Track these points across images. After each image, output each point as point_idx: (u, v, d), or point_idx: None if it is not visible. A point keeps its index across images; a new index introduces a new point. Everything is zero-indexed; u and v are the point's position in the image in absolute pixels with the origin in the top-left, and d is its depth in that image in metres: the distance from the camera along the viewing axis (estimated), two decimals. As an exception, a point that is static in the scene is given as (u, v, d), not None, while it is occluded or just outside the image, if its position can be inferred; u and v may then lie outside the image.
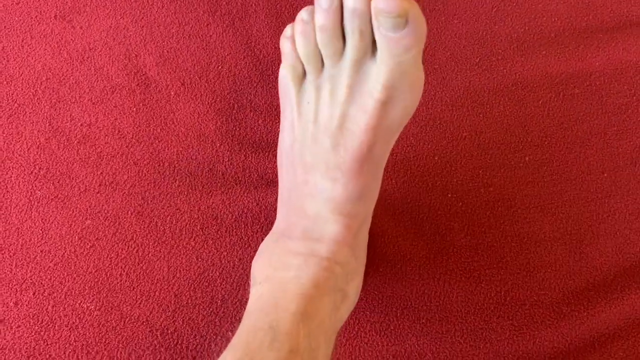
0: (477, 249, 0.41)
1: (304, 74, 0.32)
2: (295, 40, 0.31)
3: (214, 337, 0.38)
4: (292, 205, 0.33)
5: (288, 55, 0.32)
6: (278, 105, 0.44)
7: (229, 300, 0.39)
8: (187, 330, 0.38)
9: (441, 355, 0.38)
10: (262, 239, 0.40)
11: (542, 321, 0.39)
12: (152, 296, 0.39)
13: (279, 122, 0.44)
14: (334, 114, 0.31)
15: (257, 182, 0.42)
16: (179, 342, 0.38)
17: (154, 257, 0.40)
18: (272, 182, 0.42)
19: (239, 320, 0.38)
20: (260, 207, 0.41)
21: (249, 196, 0.42)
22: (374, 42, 0.29)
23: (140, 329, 0.38)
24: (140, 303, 0.38)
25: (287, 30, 0.32)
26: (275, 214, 0.40)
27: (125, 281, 0.39)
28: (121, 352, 0.37)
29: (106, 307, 0.38)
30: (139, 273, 0.39)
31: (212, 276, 0.40)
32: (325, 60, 0.31)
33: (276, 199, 0.42)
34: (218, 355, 0.27)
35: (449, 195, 0.42)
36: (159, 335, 0.38)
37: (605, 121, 0.45)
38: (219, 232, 0.41)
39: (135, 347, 0.37)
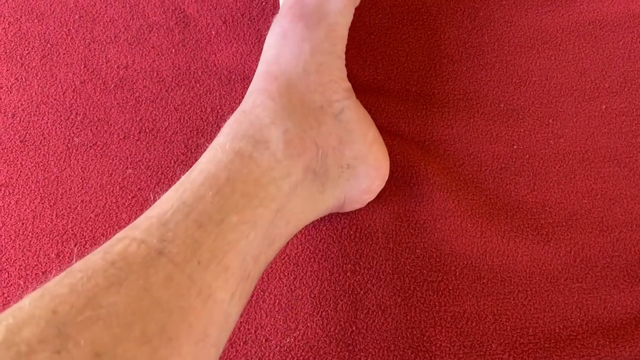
0: (545, 206, 0.37)
1: None
2: None
3: (262, 292, 0.36)
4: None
5: None
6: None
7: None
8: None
9: (502, 318, 0.36)
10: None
11: (614, 285, 0.36)
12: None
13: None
14: None
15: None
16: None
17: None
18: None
19: (288, 277, 0.36)
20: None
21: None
22: None
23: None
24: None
25: None
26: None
27: (170, 234, 0.37)
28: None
29: (150, 260, 0.37)
30: (183, 225, 0.37)
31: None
32: None
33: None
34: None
35: (515, 146, 0.39)
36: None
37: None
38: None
39: (182, 302, 0.36)
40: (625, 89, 0.40)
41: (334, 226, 0.37)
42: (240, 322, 0.35)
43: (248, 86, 0.40)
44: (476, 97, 0.40)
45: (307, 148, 0.30)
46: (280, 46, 0.32)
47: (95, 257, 0.23)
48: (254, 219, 0.26)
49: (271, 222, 0.27)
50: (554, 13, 0.41)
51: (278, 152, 0.28)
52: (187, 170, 0.38)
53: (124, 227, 0.37)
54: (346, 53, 0.40)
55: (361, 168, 0.33)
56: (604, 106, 0.39)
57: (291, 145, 0.29)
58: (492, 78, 0.40)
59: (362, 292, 0.35)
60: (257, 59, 0.40)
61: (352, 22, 0.40)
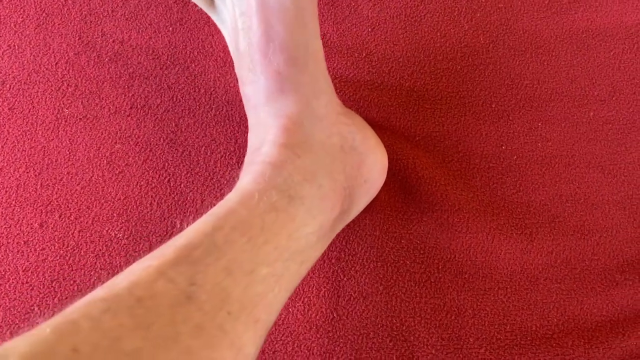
0: (530, 207, 0.38)
1: None
2: None
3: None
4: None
5: None
6: (326, 32, 0.41)
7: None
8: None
9: (481, 313, 0.36)
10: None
11: (592, 287, 0.37)
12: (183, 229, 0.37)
13: (327, 50, 0.41)
14: (234, 14, 0.30)
15: (300, 117, 0.39)
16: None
17: (187, 188, 0.37)
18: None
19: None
20: (300, 144, 0.39)
21: (289, 131, 0.39)
22: None
23: (169, 261, 0.36)
24: (171, 235, 0.37)
25: None
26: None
27: (156, 211, 0.37)
28: (149, 284, 0.35)
29: (135, 236, 0.36)
30: (170, 204, 0.37)
31: (246, 213, 0.37)
32: None
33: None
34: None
35: (504, 147, 0.39)
36: (188, 270, 0.36)
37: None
38: (255, 167, 0.38)
39: (163, 280, 0.36)
40: (614, 98, 0.41)
41: (321, 213, 0.37)
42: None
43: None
44: (468, 95, 0.40)
45: (339, 196, 0.30)
46: (282, 99, 0.30)
47: (120, 287, 0.21)
48: (282, 271, 0.26)
49: (296, 272, 0.27)
50: (549, 20, 0.42)
51: (313, 208, 0.28)
52: (176, 150, 0.38)
53: (110, 201, 0.37)
54: (342, 48, 0.40)
55: (374, 176, 0.34)
56: (591, 113, 0.40)
57: (326, 199, 0.29)
58: (485, 78, 0.40)
59: (345, 278, 0.36)
60: (255, 43, 0.40)
61: (348, 16, 0.40)
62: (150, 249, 0.36)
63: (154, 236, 0.37)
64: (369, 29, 0.41)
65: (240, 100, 0.39)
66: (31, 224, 0.36)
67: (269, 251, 0.25)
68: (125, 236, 0.36)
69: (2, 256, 0.35)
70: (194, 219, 0.37)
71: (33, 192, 0.37)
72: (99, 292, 0.22)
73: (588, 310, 0.36)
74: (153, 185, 0.37)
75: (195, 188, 0.37)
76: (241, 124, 0.39)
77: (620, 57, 0.41)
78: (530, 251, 0.37)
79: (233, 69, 0.40)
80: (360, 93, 0.40)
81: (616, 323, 0.36)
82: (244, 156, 0.38)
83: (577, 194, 0.39)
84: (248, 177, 0.27)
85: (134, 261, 0.35)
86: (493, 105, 0.40)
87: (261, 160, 0.28)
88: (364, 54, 0.41)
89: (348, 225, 0.37)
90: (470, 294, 0.36)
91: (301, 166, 0.28)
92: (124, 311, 0.21)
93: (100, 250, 0.36)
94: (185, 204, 0.37)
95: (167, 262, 0.23)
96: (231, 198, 0.26)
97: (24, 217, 0.36)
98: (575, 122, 0.40)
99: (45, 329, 0.19)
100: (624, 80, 0.41)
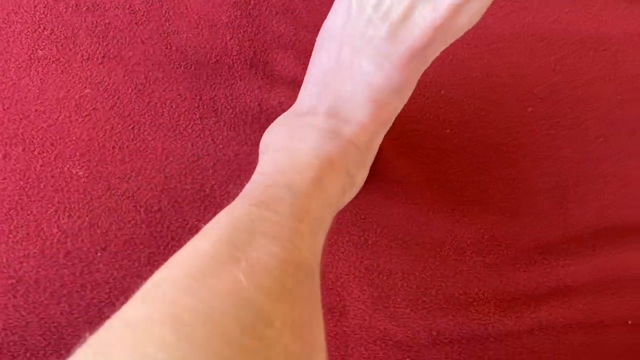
0: (467, 186, 0.41)
1: None
2: None
3: (196, 222, 0.38)
4: (326, 85, 0.32)
5: None
6: (295, 6, 0.43)
7: (217, 191, 0.39)
8: (171, 212, 0.38)
9: (410, 277, 0.39)
10: (260, 139, 0.40)
11: (512, 264, 0.40)
12: (142, 173, 0.39)
13: (294, 23, 0.43)
14: (400, 5, 0.31)
15: (262, 82, 0.42)
16: (161, 222, 0.38)
17: (149, 136, 0.40)
18: (277, 83, 0.41)
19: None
20: (261, 107, 0.41)
21: (251, 95, 0.41)
22: None
23: (125, 202, 0.38)
24: (129, 178, 0.39)
25: None
26: (276, 116, 0.40)
27: (117, 154, 0.39)
28: (102, 221, 0.37)
29: (94, 176, 0.38)
30: (132, 149, 0.39)
31: (204, 165, 0.40)
32: None
33: (279, 103, 0.41)
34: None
35: (448, 130, 0.43)
36: (142, 212, 0.38)
37: (612, 88, 0.45)
38: (217, 124, 0.41)
39: (117, 219, 0.38)
40: (551, 98, 0.44)
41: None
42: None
43: (214, 33, 0.42)
44: (427, 81, 0.43)
45: None
46: (385, 95, 0.32)
47: None
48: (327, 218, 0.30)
49: (329, 222, 0.30)
50: (502, 20, 0.45)
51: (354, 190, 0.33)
52: (142, 100, 0.40)
53: (75, 141, 0.39)
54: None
55: None
56: (530, 109, 0.44)
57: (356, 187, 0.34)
58: (437, 66, 0.44)
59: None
60: (227, 10, 0.43)
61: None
62: (109, 189, 0.38)
63: (113, 178, 0.39)
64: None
65: (210, 62, 0.41)
66: (-5, 153, 0.38)
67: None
68: (85, 175, 0.38)
69: (-37, 179, 0.37)
70: (153, 166, 0.39)
71: (0, 125, 0.38)
72: None
73: (506, 283, 0.40)
74: (117, 130, 0.39)
75: (158, 137, 0.40)
76: (207, 84, 0.41)
77: (561, 62, 0.45)
78: (462, 226, 0.41)
79: (205, 32, 0.42)
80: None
81: (530, 297, 0.40)
82: (206, 114, 0.41)
83: (509, 179, 0.42)
84: (335, 147, 0.31)
85: (90, 199, 0.37)
86: (442, 92, 0.43)
87: (348, 138, 0.31)
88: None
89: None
90: (403, 258, 0.39)
91: (365, 158, 0.33)
92: None
93: (59, 185, 0.38)
94: (147, 151, 0.39)
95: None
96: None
97: (-12, 146, 0.38)
98: (516, 115, 0.44)
99: None
100: (562, 83, 0.45)
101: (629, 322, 0.40)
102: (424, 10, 0.30)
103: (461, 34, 0.32)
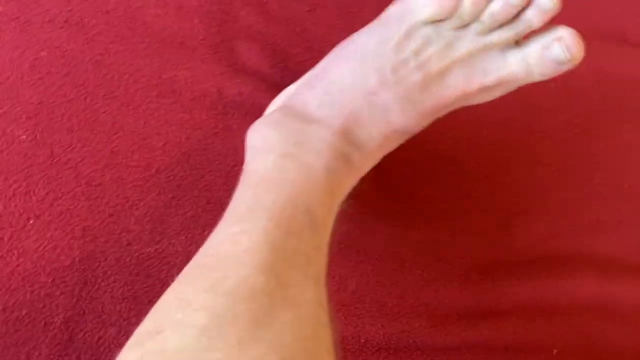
0: (416, 198, 0.42)
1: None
2: None
3: (137, 201, 0.38)
4: (343, 103, 0.32)
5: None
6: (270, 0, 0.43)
7: (163, 173, 0.39)
8: (112, 187, 0.38)
9: (346, 282, 0.39)
10: (216, 126, 0.40)
11: (450, 281, 0.41)
12: (88, 145, 0.38)
13: (264, 16, 0.43)
14: (440, 62, 0.31)
15: (225, 69, 0.41)
16: (101, 196, 0.37)
17: (101, 108, 0.39)
18: (240, 72, 0.41)
19: (166, 193, 0.38)
20: (220, 94, 0.41)
21: (212, 81, 0.41)
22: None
23: (66, 172, 0.37)
24: (73, 148, 0.38)
25: None
26: (239, 109, 0.40)
27: (65, 123, 0.38)
28: (39, 188, 0.36)
29: (38, 141, 0.37)
30: (81, 119, 0.38)
31: (154, 145, 0.39)
32: (475, 24, 0.31)
33: (239, 92, 0.41)
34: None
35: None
36: (83, 184, 0.37)
37: (570, 119, 0.47)
38: (172, 105, 0.40)
39: (55, 188, 0.37)
40: (510, 123, 0.45)
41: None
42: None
43: (182, 15, 0.42)
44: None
45: None
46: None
47: None
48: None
49: None
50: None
51: None
52: (100, 71, 0.39)
53: (23, 103, 0.38)
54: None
55: None
56: (484, 131, 0.45)
57: None
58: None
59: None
60: (200, -8, 0.42)
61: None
62: (52, 155, 0.37)
63: (57, 146, 0.38)
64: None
65: (175, 42, 0.41)
66: (-64, 104, 0.36)
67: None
68: (29, 139, 0.37)
69: None
70: (101, 139, 0.38)
71: (-54, 76, 0.37)
72: None
73: (440, 299, 0.40)
74: (69, 98, 0.39)
75: (110, 110, 0.39)
76: (169, 63, 0.41)
77: (520, 90, 0.46)
78: (405, 237, 0.41)
79: (172, 12, 0.42)
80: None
81: (462, 315, 0.40)
82: (164, 94, 0.40)
83: (463, 194, 0.43)
84: (346, 172, 0.32)
85: (30, 164, 0.36)
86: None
87: (357, 165, 0.33)
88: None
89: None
90: (341, 263, 0.39)
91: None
92: None
93: (1, 146, 0.37)
94: (96, 123, 0.38)
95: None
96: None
97: None
98: (472, 136, 0.44)
99: None
100: (521, 109, 0.46)
101: (554, 351, 0.41)
102: (459, 75, 0.31)
103: (481, 102, 0.34)
